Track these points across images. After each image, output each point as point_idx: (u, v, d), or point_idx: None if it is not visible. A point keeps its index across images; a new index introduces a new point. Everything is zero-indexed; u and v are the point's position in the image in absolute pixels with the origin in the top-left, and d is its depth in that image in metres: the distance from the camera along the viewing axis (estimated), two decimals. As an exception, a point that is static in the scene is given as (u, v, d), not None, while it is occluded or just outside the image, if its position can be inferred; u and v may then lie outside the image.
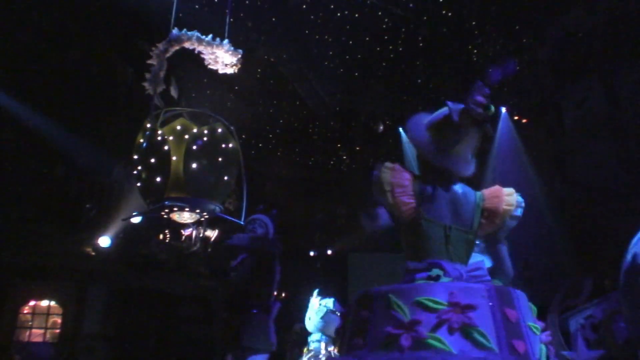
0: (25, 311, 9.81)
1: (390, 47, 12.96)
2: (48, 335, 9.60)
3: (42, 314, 9.59)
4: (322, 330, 7.45)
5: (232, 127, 8.38)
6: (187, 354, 10.33)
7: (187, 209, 7.90)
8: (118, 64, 11.48)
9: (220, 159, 8.06)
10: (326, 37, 12.70)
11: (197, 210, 8.00)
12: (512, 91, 13.16)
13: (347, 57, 13.12)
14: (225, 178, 8.31)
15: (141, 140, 7.74)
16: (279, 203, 16.18)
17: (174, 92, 10.02)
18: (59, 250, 9.03)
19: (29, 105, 9.91)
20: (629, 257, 4.92)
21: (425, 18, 12.15)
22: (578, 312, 7.05)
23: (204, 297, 11.59)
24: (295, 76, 13.23)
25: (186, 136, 7.76)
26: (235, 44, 7.88)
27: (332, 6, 11.60)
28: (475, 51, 12.43)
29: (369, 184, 3.36)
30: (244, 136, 15.02)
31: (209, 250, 11.92)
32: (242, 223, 9.17)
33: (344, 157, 16.57)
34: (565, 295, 7.66)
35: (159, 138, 7.63)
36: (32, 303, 9.80)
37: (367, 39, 12.74)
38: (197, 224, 11.57)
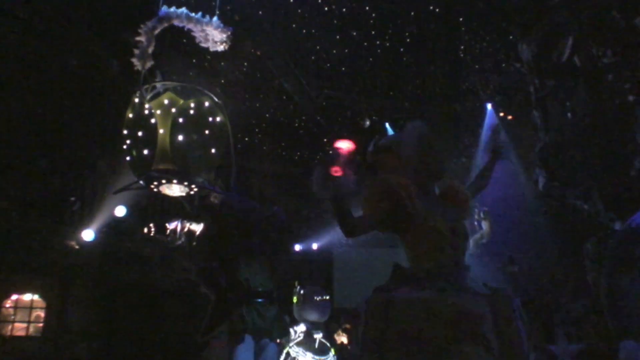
0: (7, 305, 9.72)
1: (378, 43, 12.97)
2: (31, 329, 9.52)
3: (25, 308, 9.50)
4: (308, 318, 7.53)
5: (220, 102, 8.49)
6: (172, 349, 10.30)
7: (175, 183, 8.02)
8: (102, 56, 11.37)
9: (207, 132, 8.18)
10: (313, 31, 12.68)
11: (186, 183, 8.17)
12: (498, 88, 13.26)
13: (334, 51, 13.12)
14: (213, 151, 8.42)
15: (130, 115, 7.89)
16: (264, 198, 16.20)
17: (160, 88, 9.95)
18: (43, 244, 8.95)
19: (10, 99, 9.80)
20: (611, 251, 4.99)
21: (412, 14, 12.18)
22: (560, 307, 7.15)
23: (189, 292, 11.55)
24: (281, 71, 13.19)
25: (173, 109, 7.94)
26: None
27: (319, 0, 11.59)
28: (462, 47, 12.49)
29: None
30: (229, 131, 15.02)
31: (194, 244, 11.88)
32: (234, 194, 9.31)
33: (330, 153, 16.57)
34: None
35: (146, 112, 7.78)
36: (14, 297, 9.71)
37: (354, 34, 12.74)
38: (181, 218, 11.54)
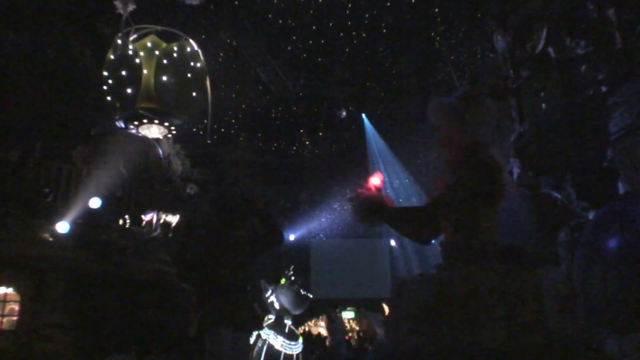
0: (-21, 299, 9.52)
1: (354, 33, 12.99)
2: (5, 323, 9.35)
3: (-1, 302, 9.34)
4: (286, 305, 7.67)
5: (199, 50, 8.88)
6: (149, 341, 10.22)
7: (156, 122, 8.41)
8: (76, 47, 11.18)
9: (189, 75, 8.67)
10: (289, 21, 12.65)
11: (166, 124, 8.46)
12: (473, 78, 13.38)
13: (311, 42, 13.10)
14: (194, 94, 8.88)
15: (111, 57, 8.19)
16: (241, 189, 16.14)
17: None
18: (16, 236, 8.75)
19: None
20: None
21: (388, 4, 12.21)
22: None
23: (165, 284, 11.46)
24: (258, 61, 13.13)
25: (156, 51, 8.34)
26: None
27: (295, -9, 11.56)
28: (438, 38, 12.58)
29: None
30: (205, 121, 14.90)
31: (170, 235, 11.79)
32: (208, 141, 9.43)
33: (307, 143, 16.58)
34: None
35: (131, 52, 8.11)
36: (-13, 291, 9.52)
37: (331, 24, 12.74)
38: (157, 209, 11.43)
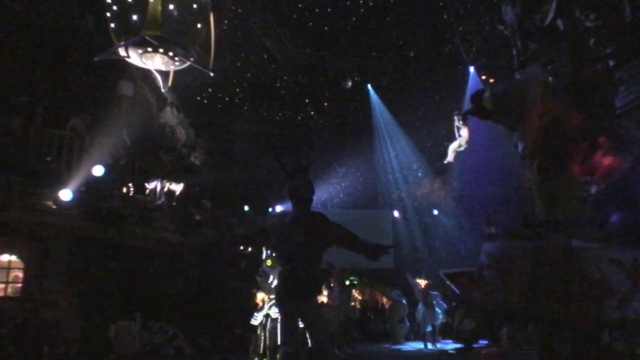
0: (-15, 266, 9.62)
1: (361, 2, 12.77)
2: (9, 290, 9.47)
3: (3, 269, 9.42)
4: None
5: None
6: (152, 308, 10.34)
7: (160, 51, 8.18)
8: (78, 13, 11.04)
9: (195, 6, 8.72)
10: (296, -11, 12.47)
11: (170, 54, 8.41)
12: (481, 51, 13.18)
13: (317, 10, 12.90)
14: (199, 26, 8.88)
15: None
16: (245, 159, 16.13)
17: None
18: (19, 204, 8.79)
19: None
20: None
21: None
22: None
23: (168, 252, 11.54)
24: (263, 29, 12.95)
25: None
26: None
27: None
28: (446, 9, 12.35)
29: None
30: (210, 90, 14.82)
31: (174, 204, 11.83)
32: (211, 74, 9.47)
33: (312, 113, 16.47)
34: None
35: None
36: (-8, 258, 9.61)
37: (338, -8, 12.54)
38: (161, 178, 11.44)
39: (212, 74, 9.39)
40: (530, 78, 3.78)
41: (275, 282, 7.78)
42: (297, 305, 4.23)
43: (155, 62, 8.77)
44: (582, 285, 3.21)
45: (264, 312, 7.67)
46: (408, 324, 12.93)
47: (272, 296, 7.66)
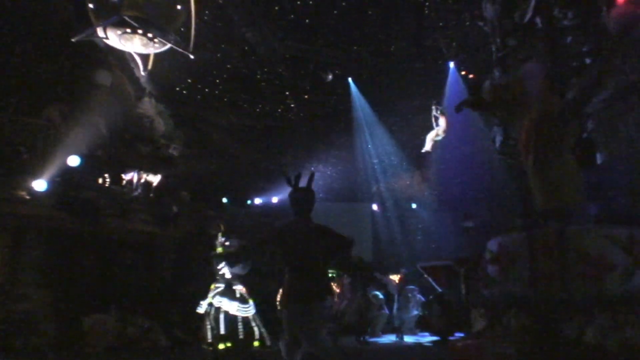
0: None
1: (343, -5, 12.71)
2: (-18, 281, 9.32)
3: (-25, 259, 9.26)
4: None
5: None
6: (128, 301, 10.25)
7: (139, 32, 8.02)
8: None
9: None
10: (277, -20, 12.35)
11: (149, 35, 8.26)
12: (461, 47, 13.24)
13: (298, 2, 12.81)
14: (178, 7, 8.78)
15: None
16: (224, 150, 16.03)
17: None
18: (-8, 195, 8.65)
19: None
20: None
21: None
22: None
23: (145, 244, 11.45)
24: (244, 21, 12.83)
25: None
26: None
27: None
28: (427, 4, 12.36)
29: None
30: (189, 81, 14.66)
31: (151, 195, 11.72)
32: (191, 56, 9.40)
33: (292, 106, 16.41)
34: None
35: None
36: (-36, 248, 9.41)
37: (319, -15, 12.46)
38: (138, 169, 11.32)
39: (192, 57, 9.21)
40: (530, 73, 3.88)
41: (225, 271, 8.04)
42: (302, 310, 4.51)
43: (134, 44, 8.60)
44: (580, 265, 3.35)
45: (208, 300, 7.89)
46: (387, 312, 13.04)
47: (218, 285, 8.00)
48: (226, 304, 7.85)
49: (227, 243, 8.12)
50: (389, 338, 12.07)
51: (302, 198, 4.99)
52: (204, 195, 13.95)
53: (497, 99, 4.12)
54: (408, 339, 11.50)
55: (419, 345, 10.86)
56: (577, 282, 3.34)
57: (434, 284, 13.41)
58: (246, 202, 15.87)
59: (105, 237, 10.33)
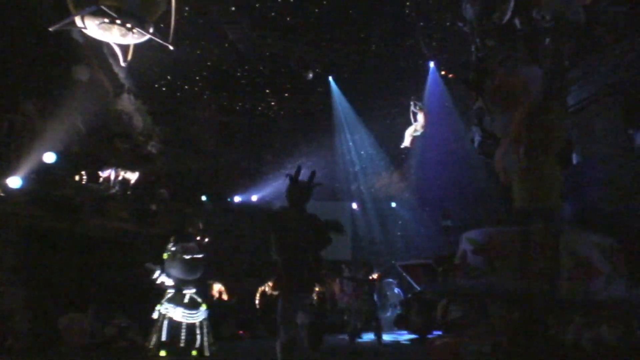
0: None
1: (324, -6, 12.72)
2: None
3: (-52, 258, 9.08)
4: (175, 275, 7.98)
5: None
6: (106, 300, 10.14)
7: (117, 22, 7.95)
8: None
9: None
10: (258, -23, 12.31)
11: (128, 25, 8.12)
12: (441, 47, 13.32)
13: (280, 0, 12.78)
14: None
15: None
16: (204, 148, 15.93)
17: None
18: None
19: None
20: None
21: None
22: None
23: (123, 242, 11.33)
24: (225, 18, 12.75)
25: None
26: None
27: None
28: (407, 3, 12.42)
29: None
30: (169, 77, 14.55)
31: (129, 193, 11.60)
32: (170, 47, 9.37)
33: (272, 103, 16.37)
34: None
35: None
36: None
37: (301, -18, 12.45)
38: (115, 166, 11.20)
39: (171, 47, 9.10)
40: (532, 74, 4.11)
41: (164, 279, 7.95)
42: (299, 298, 4.89)
43: (113, 34, 8.45)
44: (571, 267, 3.44)
45: (159, 307, 7.79)
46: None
47: (169, 290, 7.89)
48: (171, 310, 7.68)
49: (173, 249, 7.97)
50: (368, 337, 12.10)
51: (303, 190, 5.58)
52: (182, 193, 13.83)
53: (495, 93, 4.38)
54: (387, 337, 11.52)
55: (397, 344, 10.91)
56: (567, 282, 3.42)
57: (412, 282, 13.50)
58: (226, 199, 15.78)
59: (82, 235, 10.19)
